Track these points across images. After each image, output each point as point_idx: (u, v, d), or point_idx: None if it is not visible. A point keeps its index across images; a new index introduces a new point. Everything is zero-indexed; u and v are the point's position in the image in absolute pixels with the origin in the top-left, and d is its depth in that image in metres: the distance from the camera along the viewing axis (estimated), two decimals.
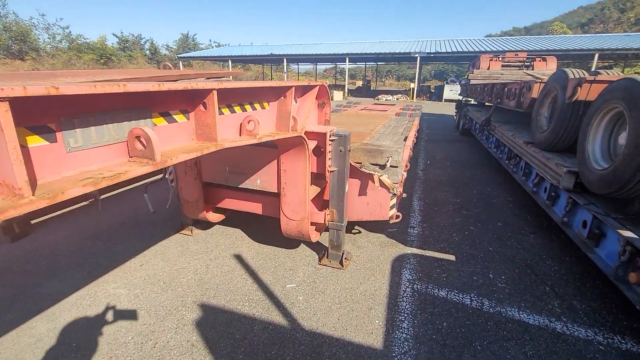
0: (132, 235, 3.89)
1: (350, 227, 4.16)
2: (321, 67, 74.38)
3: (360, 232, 4.11)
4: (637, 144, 2.30)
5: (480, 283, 3.11)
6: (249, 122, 1.91)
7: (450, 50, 28.20)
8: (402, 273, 3.24)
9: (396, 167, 3.35)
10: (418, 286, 3.05)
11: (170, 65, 3.81)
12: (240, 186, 3.26)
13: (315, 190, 3.22)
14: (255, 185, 3.21)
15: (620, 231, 2.42)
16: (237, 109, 1.90)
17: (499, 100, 6.65)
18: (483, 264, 3.44)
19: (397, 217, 3.50)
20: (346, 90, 31.48)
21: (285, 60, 32.53)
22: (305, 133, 2.93)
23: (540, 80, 4.48)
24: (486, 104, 9.58)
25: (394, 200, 3.38)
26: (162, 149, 1.37)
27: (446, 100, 27.95)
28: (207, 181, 3.40)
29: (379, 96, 30.82)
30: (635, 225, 2.46)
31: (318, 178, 3.22)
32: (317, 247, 3.67)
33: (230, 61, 35.66)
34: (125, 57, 40.63)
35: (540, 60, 11.76)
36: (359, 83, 46.54)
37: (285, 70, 33.32)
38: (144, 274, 3.13)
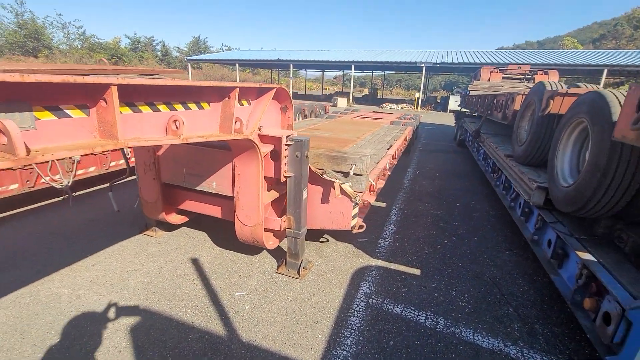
0: (95, 234, 3.83)
1: (319, 235, 4.04)
2: (331, 74, 74.84)
3: (327, 240, 3.99)
4: (597, 161, 2.17)
5: (440, 300, 2.96)
6: (174, 121, 1.83)
7: (457, 61, 28.07)
8: (360, 286, 3.11)
9: (360, 175, 3.24)
10: (373, 301, 2.91)
11: (105, 61, 3.78)
12: (197, 188, 3.19)
13: (272, 195, 3.13)
14: (211, 188, 3.13)
15: (579, 253, 2.27)
16: (162, 107, 1.82)
17: (489, 111, 6.52)
18: (448, 280, 3.29)
19: (361, 227, 3.38)
20: (351, 98, 31.49)
21: (291, 65, 32.72)
22: (261, 137, 2.86)
23: (522, 93, 4.35)
24: (480, 115, 9.43)
25: (357, 210, 3.27)
26: (44, 144, 1.29)
27: (451, 111, 27.60)
28: (166, 182, 3.33)
29: (383, 104, 30.76)
30: (596, 247, 2.31)
31: (278, 183, 3.13)
32: (279, 254, 3.56)
33: (237, 65, 36.03)
34: (136, 57, 41.37)
35: (542, 74, 11.58)
36: (366, 91, 46.61)
37: (291, 76, 33.50)
38: (93, 275, 3.05)
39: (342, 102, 28.92)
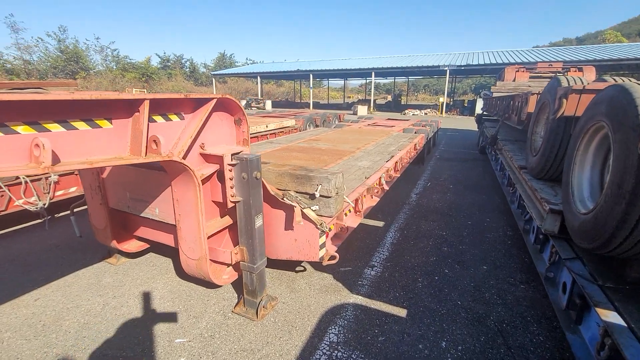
0: (56, 261, 3.58)
1: (295, 263, 3.55)
2: (356, 82, 74.56)
3: (305, 269, 3.48)
4: (623, 180, 1.53)
5: (424, 355, 2.36)
6: (35, 145, 1.45)
7: (484, 63, 26.65)
8: (327, 332, 2.57)
9: (328, 197, 2.73)
10: (339, 353, 2.36)
11: None
12: (142, 215, 2.83)
13: (224, 223, 2.69)
14: (154, 214, 2.76)
15: (601, 311, 1.62)
16: (21, 129, 1.45)
17: (506, 115, 5.74)
18: (440, 325, 2.67)
19: (333, 258, 2.85)
20: (372, 105, 30.83)
21: (311, 75, 32.73)
22: (204, 156, 2.45)
23: (536, 92, 3.64)
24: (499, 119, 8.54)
25: (324, 238, 2.75)
26: None
27: (476, 116, 26.27)
28: (113, 207, 3.00)
29: (406, 111, 29.83)
30: (627, 302, 1.65)
31: (231, 209, 2.70)
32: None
33: (259, 77, 36.65)
34: (166, 75, 43.41)
35: (575, 71, 10.46)
36: (390, 98, 45.72)
37: (311, 86, 33.48)
38: (30, 312, 2.75)
39: (362, 110, 28.34)
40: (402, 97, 45.59)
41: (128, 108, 1.89)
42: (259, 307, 2.72)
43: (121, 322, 2.64)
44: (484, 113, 11.22)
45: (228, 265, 2.75)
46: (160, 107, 2.08)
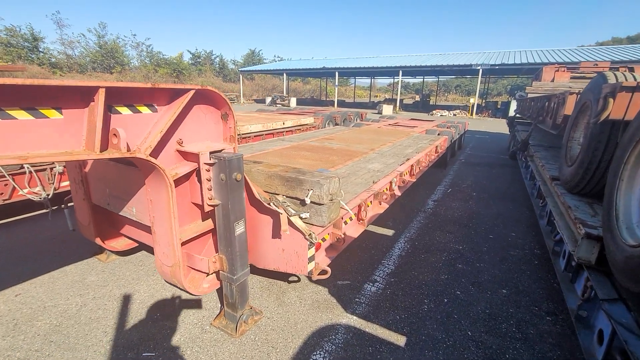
0: (46, 254, 3.51)
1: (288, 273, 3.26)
2: (385, 81, 73.22)
3: (299, 280, 3.19)
4: None
5: None
6: None
7: (520, 62, 25.09)
8: (309, 358, 2.26)
9: (320, 204, 2.41)
10: None
11: None
12: (120, 213, 2.64)
13: (203, 227, 2.45)
14: (132, 214, 2.56)
15: None
16: None
17: (540, 117, 5.14)
18: None
19: (323, 272, 2.54)
20: (397, 105, 29.95)
21: (337, 73, 32.30)
22: (182, 154, 2.22)
23: (576, 91, 3.12)
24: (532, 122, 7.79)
25: (313, 251, 2.44)
26: None
27: (509, 118, 24.80)
28: (96, 203, 2.85)
29: (434, 111, 28.74)
30: None
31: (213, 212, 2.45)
32: None
33: (285, 74, 36.70)
34: (196, 71, 44.59)
35: (625, 71, 9.42)
36: (418, 97, 44.38)
37: (336, 84, 33.04)
38: (6, 309, 2.65)
39: (387, 109, 27.59)
40: (431, 98, 44.08)
41: (83, 97, 1.67)
42: (239, 321, 2.46)
43: (93, 328, 2.46)
44: (517, 115, 10.39)
45: (207, 273, 2.50)
46: (126, 97, 1.85)
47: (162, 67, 38.90)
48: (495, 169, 8.35)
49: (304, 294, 2.97)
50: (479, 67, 25.30)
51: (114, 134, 1.75)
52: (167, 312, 2.67)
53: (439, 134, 8.11)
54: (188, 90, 2.10)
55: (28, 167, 4.14)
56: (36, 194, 4.22)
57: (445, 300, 2.94)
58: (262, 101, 37.64)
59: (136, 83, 1.83)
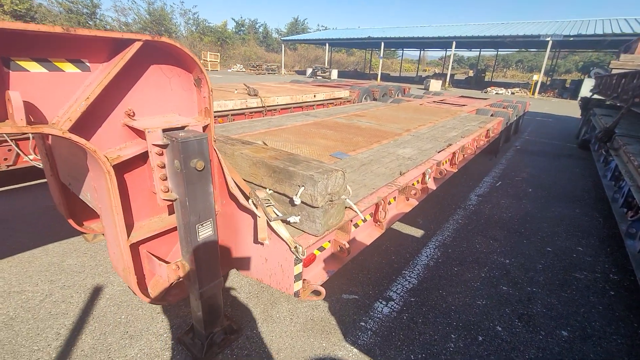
0: (37, 227, 3.30)
1: None
2: (436, 54, 68.09)
3: None
4: None
5: None
6: None
7: (602, 33, 21.30)
8: None
9: (314, 207, 1.77)
10: None
11: None
12: (80, 197, 2.22)
13: (168, 222, 1.93)
14: (87, 199, 2.12)
15: None
16: None
17: (636, 99, 3.91)
18: None
19: (317, 293, 1.94)
20: (447, 80, 27.40)
21: (382, 43, 30.08)
22: (132, 129, 1.67)
23: None
24: (621, 105, 6.27)
25: (300, 267, 1.84)
26: None
27: (580, 99, 21.58)
28: (62, 181, 2.46)
29: (488, 89, 25.94)
30: None
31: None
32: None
33: (327, 44, 35.05)
34: (239, 39, 44.27)
35: None
36: (472, 73, 40.55)
37: (381, 55, 30.87)
38: None
39: (435, 85, 25.35)
40: (486, 74, 39.98)
41: None
42: (207, 342, 1.98)
43: (47, 327, 2.13)
44: (593, 96, 8.65)
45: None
46: (35, 48, 1.30)
47: (207, 35, 39.05)
48: (559, 160, 7.01)
49: (298, 308, 2.42)
50: (548, 39, 21.96)
51: (9, 100, 1.23)
52: (133, 315, 2.27)
53: (492, 115, 6.92)
54: (132, 41, 1.50)
55: (32, 134, 3.93)
56: (40, 160, 4.04)
57: (480, 338, 2.23)
58: (303, 73, 36.61)
59: (41, 26, 1.27)
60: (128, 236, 1.74)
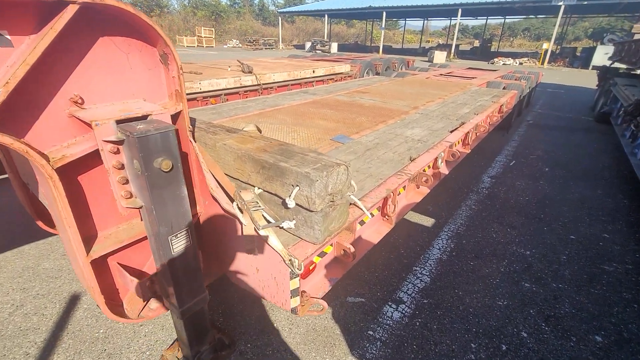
0: (20, 225, 3.02)
1: None
2: (440, 24, 65.46)
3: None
4: None
5: None
6: None
7: None
8: None
9: (310, 211, 1.45)
10: None
11: None
12: (40, 199, 1.91)
13: (138, 231, 1.63)
14: (44, 201, 1.81)
15: None
16: None
17: None
18: None
19: (318, 308, 1.67)
20: (452, 51, 26.24)
21: (384, 13, 28.62)
22: (83, 122, 1.33)
23: None
24: None
25: (297, 282, 1.54)
26: None
27: (594, 68, 20.59)
28: (23, 180, 2.14)
29: (495, 59, 24.87)
30: None
31: None
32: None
33: (326, 16, 33.46)
34: (234, 13, 42.41)
35: None
36: (478, 43, 38.95)
37: (382, 26, 29.45)
38: None
39: (439, 57, 24.30)
40: (492, 43, 38.32)
41: None
42: (196, 358, 1.74)
43: (16, 345, 1.89)
44: (613, 64, 8.06)
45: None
46: None
47: (200, 10, 37.39)
48: (575, 134, 6.59)
49: (296, 320, 2.17)
50: (561, 3, 20.69)
51: None
52: (113, 329, 2.03)
53: (504, 88, 6.46)
54: (64, 4, 1.13)
55: None
56: None
57: (504, 347, 1.97)
58: (302, 47, 35.26)
59: None
60: (88, 251, 1.45)
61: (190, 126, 1.62)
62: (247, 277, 1.78)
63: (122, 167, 1.32)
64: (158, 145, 1.24)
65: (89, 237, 1.47)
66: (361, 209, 1.80)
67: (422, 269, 2.61)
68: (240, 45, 33.12)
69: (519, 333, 2.07)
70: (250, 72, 6.27)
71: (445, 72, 8.50)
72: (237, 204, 1.50)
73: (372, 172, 2.29)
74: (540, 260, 2.76)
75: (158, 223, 1.35)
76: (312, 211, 1.45)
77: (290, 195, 1.45)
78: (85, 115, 1.26)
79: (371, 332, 2.04)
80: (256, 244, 1.50)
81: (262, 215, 1.51)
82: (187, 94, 5.09)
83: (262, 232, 1.44)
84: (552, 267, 2.68)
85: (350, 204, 1.82)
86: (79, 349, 1.88)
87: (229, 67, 6.94)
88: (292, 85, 7.15)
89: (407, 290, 2.40)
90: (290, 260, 1.42)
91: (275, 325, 2.09)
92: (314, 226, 1.48)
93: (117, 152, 1.29)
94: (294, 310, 1.61)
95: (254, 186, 1.64)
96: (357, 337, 2.01)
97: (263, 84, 6.36)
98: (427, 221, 3.31)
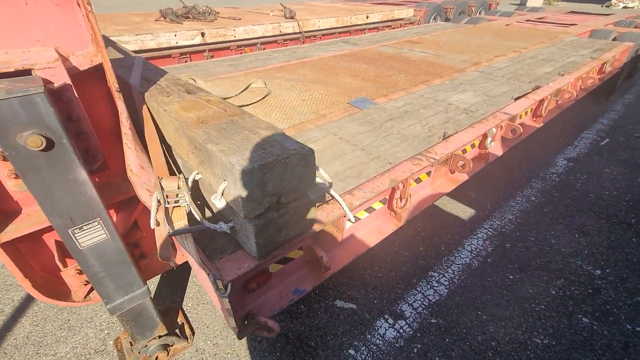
0: None
1: None
2: None
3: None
4: None
5: None
6: None
7: None
8: None
9: (245, 218, 1.02)
10: None
11: None
12: None
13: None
14: None
15: None
16: None
17: None
18: None
19: (268, 330, 1.31)
20: None
21: None
22: None
23: None
24: None
25: (227, 303, 1.17)
26: None
27: None
28: None
29: (614, 0, 19.67)
30: None
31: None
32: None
33: None
34: None
35: None
36: None
37: None
38: None
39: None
40: None
41: None
42: (141, 354, 1.56)
43: None
44: None
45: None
46: None
47: None
48: None
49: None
50: None
51: None
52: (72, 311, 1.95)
53: (615, 39, 4.88)
54: None
55: None
56: None
57: None
58: None
59: None
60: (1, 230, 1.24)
61: (117, 84, 1.24)
62: (197, 275, 1.49)
63: None
64: (19, 114, 0.89)
65: (9, 213, 1.26)
66: (342, 207, 1.33)
67: (441, 276, 2.08)
68: None
69: None
70: (292, 17, 5.62)
71: (535, 18, 6.77)
72: (157, 195, 1.13)
73: (381, 153, 1.75)
74: (616, 286, 2.02)
75: (49, 214, 1.06)
76: (245, 218, 1.02)
77: (218, 191, 1.04)
78: None
79: (352, 352, 1.66)
80: (172, 252, 1.15)
81: (186, 212, 1.13)
82: (220, 42, 4.74)
83: (178, 239, 1.08)
84: (633, 300, 1.94)
85: (329, 200, 1.35)
86: (47, 315, 1.83)
87: (271, 11, 6.33)
88: (339, 33, 6.32)
89: (414, 302, 1.92)
90: (215, 280, 1.05)
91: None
92: (249, 236, 1.06)
93: None
94: (235, 331, 1.29)
95: (194, 170, 1.25)
96: (333, 355, 1.65)
97: (305, 31, 5.67)
98: (464, 212, 2.66)
